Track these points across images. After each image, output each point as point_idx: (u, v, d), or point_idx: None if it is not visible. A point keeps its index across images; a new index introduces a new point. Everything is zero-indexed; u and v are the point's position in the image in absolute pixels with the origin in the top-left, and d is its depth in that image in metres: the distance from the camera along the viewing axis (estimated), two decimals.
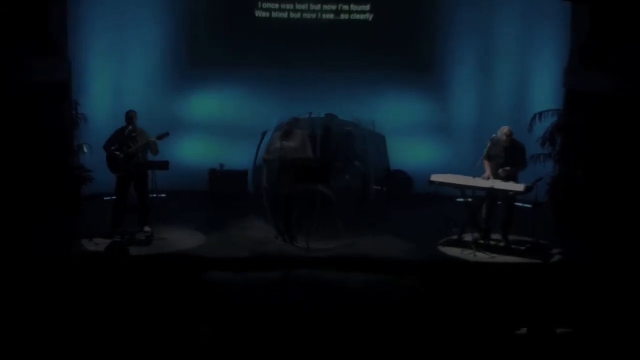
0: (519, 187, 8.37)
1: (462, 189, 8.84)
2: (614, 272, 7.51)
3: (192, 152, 11.15)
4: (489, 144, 8.66)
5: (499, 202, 8.77)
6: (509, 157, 8.60)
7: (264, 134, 10.17)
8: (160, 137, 8.83)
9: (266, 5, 11.12)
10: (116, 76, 10.97)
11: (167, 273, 7.04)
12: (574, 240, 8.99)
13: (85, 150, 10.20)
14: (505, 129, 8.61)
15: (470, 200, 8.86)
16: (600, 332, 5.57)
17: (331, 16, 11.08)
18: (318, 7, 11.10)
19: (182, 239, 8.91)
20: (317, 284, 7.62)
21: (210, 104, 11.26)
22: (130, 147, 8.77)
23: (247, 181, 10.70)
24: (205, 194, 10.83)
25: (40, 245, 8.38)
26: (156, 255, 8.19)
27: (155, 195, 9.09)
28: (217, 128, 11.12)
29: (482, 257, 8.40)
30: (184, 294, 6.08)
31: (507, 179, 8.55)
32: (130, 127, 8.83)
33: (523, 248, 8.71)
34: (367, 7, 11.11)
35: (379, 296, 6.68)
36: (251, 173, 10.68)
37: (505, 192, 8.52)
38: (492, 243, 8.74)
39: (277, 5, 11.12)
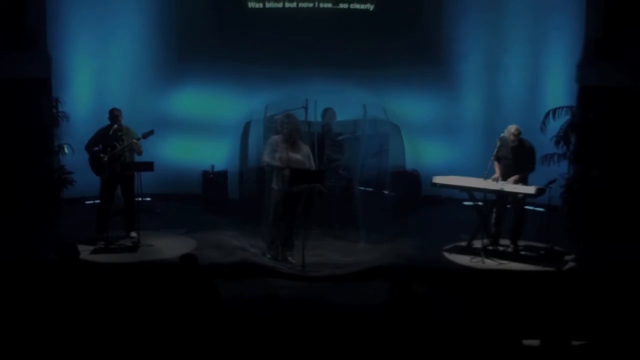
0: (529, 189, 8.38)
1: (468, 191, 8.84)
2: (634, 280, 7.53)
3: (181, 151, 11.10)
4: (497, 144, 8.68)
5: (508, 206, 8.78)
6: (517, 157, 8.61)
7: (248, 124, 10.19)
8: (145, 136, 8.81)
9: None
10: (99, 72, 10.89)
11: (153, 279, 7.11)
12: (590, 246, 8.98)
13: (67, 150, 10.18)
14: (512, 128, 8.60)
15: (480, 203, 8.85)
16: (617, 344, 5.54)
17: (329, 5, 10.97)
18: None
19: (170, 245, 8.89)
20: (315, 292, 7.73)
21: (200, 100, 11.16)
22: (116, 147, 8.76)
23: (228, 185, 10.74)
24: (194, 197, 10.76)
25: (17, 252, 8.37)
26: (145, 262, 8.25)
27: (140, 199, 9.05)
28: (207, 126, 11.05)
29: (491, 264, 8.40)
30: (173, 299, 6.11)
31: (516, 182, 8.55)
32: (116, 126, 8.83)
33: (534, 254, 8.69)
34: None
35: (380, 305, 6.71)
36: (237, 175, 10.70)
37: (514, 195, 8.52)
38: (501, 249, 8.79)
39: None
